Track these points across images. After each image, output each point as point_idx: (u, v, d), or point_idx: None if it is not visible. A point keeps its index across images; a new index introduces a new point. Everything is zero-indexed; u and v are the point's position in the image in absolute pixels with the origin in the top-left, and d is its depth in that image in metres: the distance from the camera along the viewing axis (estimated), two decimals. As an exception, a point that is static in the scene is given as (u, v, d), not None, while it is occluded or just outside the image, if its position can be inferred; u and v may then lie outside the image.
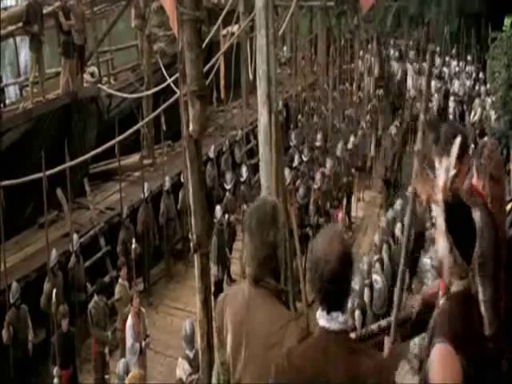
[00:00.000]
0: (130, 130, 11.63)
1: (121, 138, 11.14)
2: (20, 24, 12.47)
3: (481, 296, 2.86)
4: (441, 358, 2.13)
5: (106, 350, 9.44)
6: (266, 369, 2.35)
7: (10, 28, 12.87)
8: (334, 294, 2.16)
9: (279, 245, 2.46)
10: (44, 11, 12.71)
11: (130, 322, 8.99)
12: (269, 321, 2.43)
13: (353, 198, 15.34)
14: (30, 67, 13.18)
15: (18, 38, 14.10)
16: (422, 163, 2.44)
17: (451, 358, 2.11)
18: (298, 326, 2.41)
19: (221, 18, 12.41)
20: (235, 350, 2.50)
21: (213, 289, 8.21)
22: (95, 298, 9.46)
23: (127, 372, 7.81)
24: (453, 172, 2.23)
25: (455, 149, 2.29)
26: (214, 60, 11.55)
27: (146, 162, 13.73)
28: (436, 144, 3.06)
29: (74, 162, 10.68)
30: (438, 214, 2.22)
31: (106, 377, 9.43)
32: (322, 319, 2.18)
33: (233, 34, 14.74)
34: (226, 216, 11.89)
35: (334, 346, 2.14)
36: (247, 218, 2.51)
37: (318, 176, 13.01)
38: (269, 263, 2.46)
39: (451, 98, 20.31)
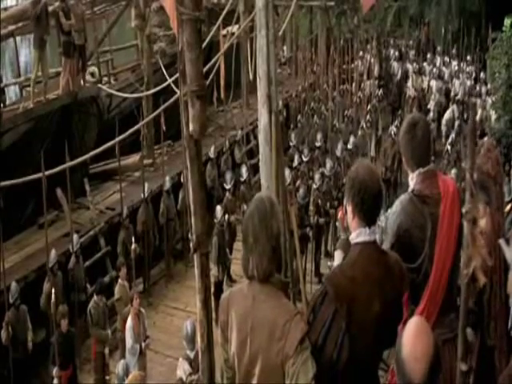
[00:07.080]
0: (130, 130, 11.65)
1: (121, 138, 11.16)
2: (20, 24, 12.47)
3: None
4: (414, 330, 2.04)
5: (106, 351, 9.42)
6: (272, 362, 2.42)
7: (10, 28, 12.87)
8: (375, 210, 2.66)
9: (281, 233, 2.54)
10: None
11: (129, 323, 8.96)
12: (274, 314, 2.46)
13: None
14: (32, 66, 13.15)
15: (17, 38, 14.09)
16: (472, 229, 2.16)
17: (426, 332, 2.04)
18: (303, 320, 2.48)
19: (221, 18, 12.38)
20: (240, 345, 2.52)
21: (213, 289, 8.21)
22: (95, 297, 9.43)
23: (127, 373, 7.80)
24: None
25: None
26: (214, 60, 11.55)
27: (145, 162, 13.72)
28: (489, 206, 2.98)
29: (73, 162, 10.70)
30: None
31: (107, 378, 9.41)
32: (363, 235, 2.65)
33: (233, 34, 14.72)
34: (226, 216, 11.88)
35: (375, 253, 2.67)
36: (248, 221, 2.53)
37: (317, 176, 12.99)
38: (276, 255, 2.51)
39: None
